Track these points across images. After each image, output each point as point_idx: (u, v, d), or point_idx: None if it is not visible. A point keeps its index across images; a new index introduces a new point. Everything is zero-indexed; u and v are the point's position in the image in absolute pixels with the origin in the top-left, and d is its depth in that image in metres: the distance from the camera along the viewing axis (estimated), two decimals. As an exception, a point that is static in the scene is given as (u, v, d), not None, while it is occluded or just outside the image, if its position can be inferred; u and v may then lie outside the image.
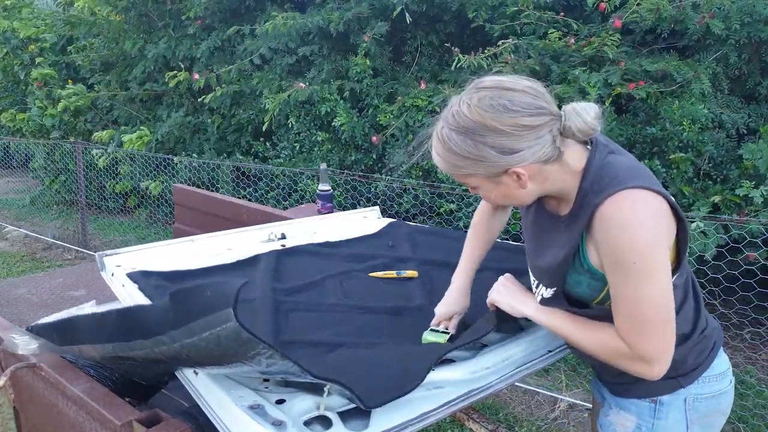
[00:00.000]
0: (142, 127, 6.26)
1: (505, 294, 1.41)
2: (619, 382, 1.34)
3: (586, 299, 1.25)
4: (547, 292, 1.30)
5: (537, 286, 1.35)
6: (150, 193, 5.93)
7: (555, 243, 1.26)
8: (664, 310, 1.14)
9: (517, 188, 1.19)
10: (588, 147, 1.22)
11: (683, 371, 1.27)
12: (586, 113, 1.14)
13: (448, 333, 1.53)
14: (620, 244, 1.10)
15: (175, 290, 1.14)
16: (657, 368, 1.16)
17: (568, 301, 1.28)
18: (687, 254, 1.24)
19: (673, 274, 1.19)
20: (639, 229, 1.10)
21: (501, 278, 1.45)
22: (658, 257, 1.11)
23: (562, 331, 1.29)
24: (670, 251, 1.17)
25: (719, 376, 1.31)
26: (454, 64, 4.28)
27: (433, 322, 1.57)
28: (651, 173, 1.20)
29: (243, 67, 5.53)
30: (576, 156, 1.20)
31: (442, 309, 1.58)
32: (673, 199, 1.17)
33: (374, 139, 4.70)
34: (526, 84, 1.15)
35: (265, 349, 1.06)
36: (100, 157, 6.18)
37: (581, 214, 1.18)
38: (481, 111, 1.12)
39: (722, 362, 1.33)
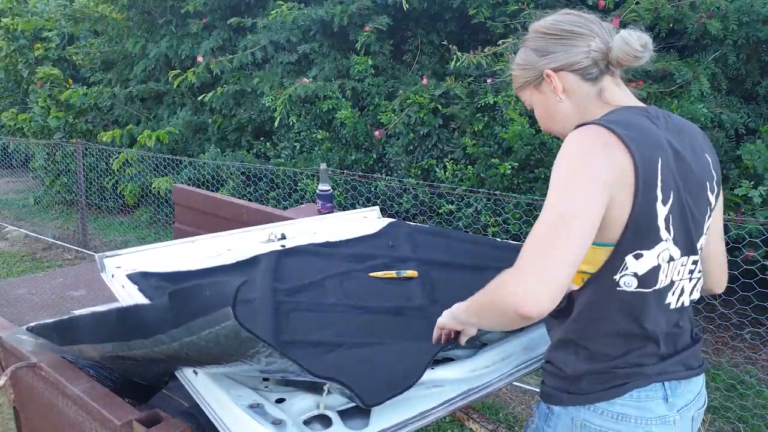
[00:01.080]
0: (163, 128, 6.22)
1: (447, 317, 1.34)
2: (542, 383, 1.31)
3: None
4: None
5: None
6: (158, 191, 5.87)
7: None
8: (555, 229, 1.04)
9: (555, 99, 1.24)
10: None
11: (573, 389, 1.19)
12: (632, 39, 1.16)
13: None
14: (554, 164, 1.11)
15: (174, 290, 1.14)
16: (520, 285, 1.02)
17: None
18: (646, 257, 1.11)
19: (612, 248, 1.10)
20: (572, 144, 1.10)
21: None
22: (578, 177, 1.07)
23: (470, 305, 1.23)
24: (616, 210, 1.08)
25: (619, 417, 1.16)
26: (453, 62, 4.28)
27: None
28: (653, 141, 1.12)
29: (245, 59, 5.52)
30: (618, 95, 1.22)
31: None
32: (641, 159, 1.08)
33: (377, 133, 4.69)
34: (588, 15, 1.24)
35: (264, 348, 1.06)
36: (115, 158, 6.14)
37: None
38: (539, 22, 1.27)
39: (634, 406, 1.16)
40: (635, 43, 1.15)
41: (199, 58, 5.67)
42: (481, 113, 4.38)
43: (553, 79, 1.22)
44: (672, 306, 1.20)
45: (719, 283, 1.39)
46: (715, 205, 1.26)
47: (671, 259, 1.15)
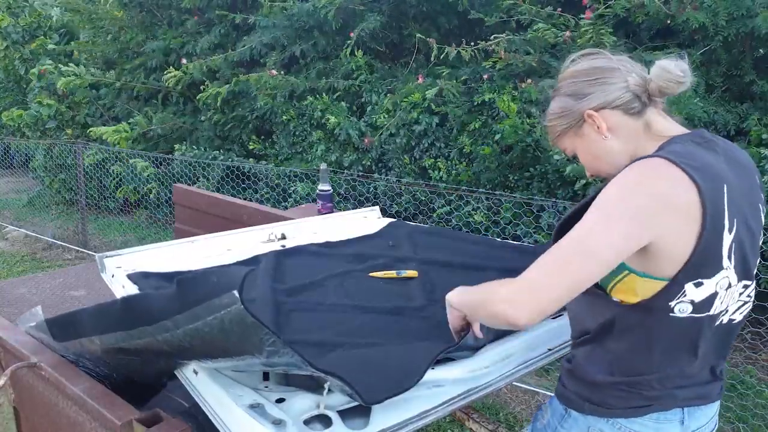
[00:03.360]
0: (131, 121, 6.25)
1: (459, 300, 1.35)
2: (559, 381, 1.32)
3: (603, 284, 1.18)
4: None
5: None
6: (150, 194, 5.92)
7: None
8: (572, 255, 1.06)
9: (600, 139, 1.21)
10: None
11: (596, 400, 1.21)
12: (671, 66, 1.15)
13: None
14: (607, 187, 1.09)
15: (181, 277, 1.14)
16: (517, 298, 1.07)
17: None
18: (712, 296, 1.10)
19: (673, 283, 1.08)
20: (631, 175, 1.08)
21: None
22: (622, 214, 1.04)
23: (468, 297, 1.28)
24: (670, 245, 1.06)
25: None
26: (433, 55, 4.30)
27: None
28: (715, 171, 1.09)
29: (231, 57, 5.52)
30: (666, 126, 1.19)
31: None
32: (708, 190, 1.05)
33: (366, 141, 4.69)
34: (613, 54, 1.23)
35: (267, 336, 1.06)
36: (88, 156, 6.17)
37: None
38: (568, 70, 1.26)
39: (652, 427, 1.18)
40: (675, 70, 1.14)
41: (183, 61, 5.71)
42: (477, 112, 4.38)
43: (595, 118, 1.19)
44: (717, 327, 1.18)
45: None
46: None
47: (729, 286, 1.13)
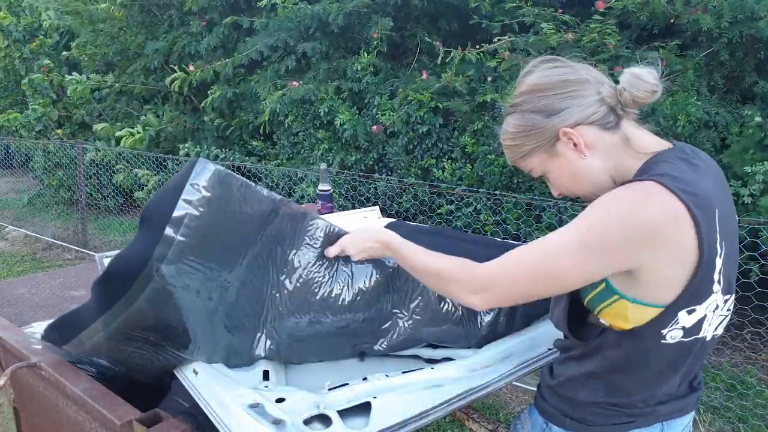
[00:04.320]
0: (137, 125, 6.26)
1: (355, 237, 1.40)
2: (539, 393, 1.31)
3: (581, 296, 1.16)
4: None
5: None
6: (145, 183, 5.91)
7: None
8: (539, 272, 1.06)
9: (578, 158, 1.12)
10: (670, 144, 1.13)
11: (577, 417, 1.18)
12: (643, 73, 1.08)
13: None
14: (592, 205, 1.04)
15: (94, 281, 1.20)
16: (477, 288, 1.13)
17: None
18: (702, 321, 1.07)
19: (670, 310, 1.04)
20: (621, 200, 1.01)
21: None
22: (595, 244, 1.00)
23: (423, 257, 1.29)
24: (663, 271, 1.01)
25: None
26: (439, 59, 4.29)
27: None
28: (707, 195, 1.03)
29: (237, 62, 5.52)
30: (646, 140, 1.12)
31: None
32: (704, 221, 1.00)
33: (374, 128, 4.68)
34: (573, 62, 1.16)
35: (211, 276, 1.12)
36: (89, 151, 6.18)
37: None
38: (526, 82, 1.16)
39: None
40: (648, 77, 1.07)
41: (190, 67, 5.69)
42: (480, 111, 4.38)
43: (572, 136, 1.10)
44: (703, 345, 1.15)
45: None
46: None
47: (717, 307, 1.10)
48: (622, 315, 1.08)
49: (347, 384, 1.30)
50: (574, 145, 1.12)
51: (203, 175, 1.18)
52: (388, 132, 4.70)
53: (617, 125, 1.11)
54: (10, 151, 8.45)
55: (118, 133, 6.18)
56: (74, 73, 6.62)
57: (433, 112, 4.54)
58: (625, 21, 4.08)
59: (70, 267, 4.67)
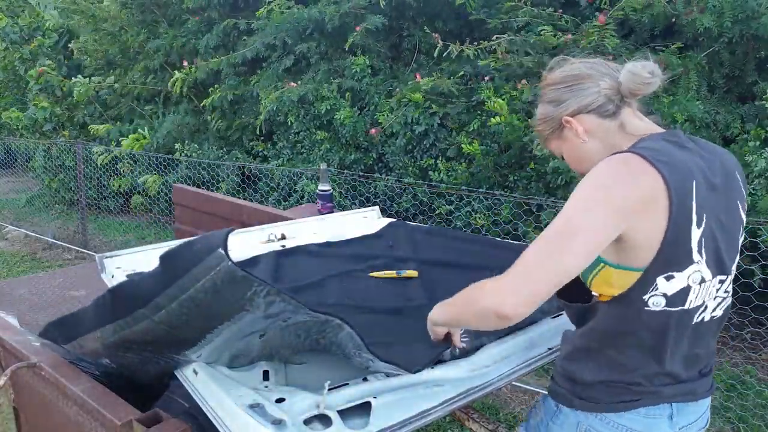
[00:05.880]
0: (140, 129, 6.27)
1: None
2: (551, 379, 1.35)
3: (583, 278, 1.22)
4: None
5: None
6: (148, 189, 5.93)
7: None
8: (555, 242, 1.08)
9: (579, 142, 1.28)
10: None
11: (585, 396, 1.24)
12: (637, 68, 1.21)
13: None
14: (579, 184, 1.13)
15: (164, 253, 1.15)
16: (503, 288, 1.08)
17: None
18: (682, 287, 1.13)
19: (646, 273, 1.12)
20: (600, 169, 1.12)
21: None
22: (597, 201, 1.09)
23: (450, 308, 1.28)
24: (639, 234, 1.09)
25: (624, 430, 1.21)
26: (436, 52, 4.30)
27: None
28: (684, 166, 1.13)
29: (233, 60, 5.51)
30: (640, 126, 1.25)
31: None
32: (675, 183, 1.09)
33: (372, 131, 4.69)
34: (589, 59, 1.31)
35: (261, 287, 1.08)
36: (100, 155, 6.18)
37: None
38: (547, 77, 1.33)
39: (640, 422, 1.21)
40: (643, 72, 1.20)
41: (185, 63, 5.71)
42: (475, 111, 4.38)
43: (572, 123, 1.27)
44: (698, 325, 1.22)
45: None
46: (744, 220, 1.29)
47: (702, 280, 1.16)
48: (608, 281, 1.17)
49: (347, 384, 1.30)
50: (576, 131, 1.27)
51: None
52: (386, 132, 4.71)
53: (616, 113, 1.25)
54: (11, 150, 8.45)
55: (124, 142, 6.16)
56: (79, 76, 6.63)
57: (428, 113, 4.54)
58: (626, 23, 4.08)
59: (70, 267, 4.67)
